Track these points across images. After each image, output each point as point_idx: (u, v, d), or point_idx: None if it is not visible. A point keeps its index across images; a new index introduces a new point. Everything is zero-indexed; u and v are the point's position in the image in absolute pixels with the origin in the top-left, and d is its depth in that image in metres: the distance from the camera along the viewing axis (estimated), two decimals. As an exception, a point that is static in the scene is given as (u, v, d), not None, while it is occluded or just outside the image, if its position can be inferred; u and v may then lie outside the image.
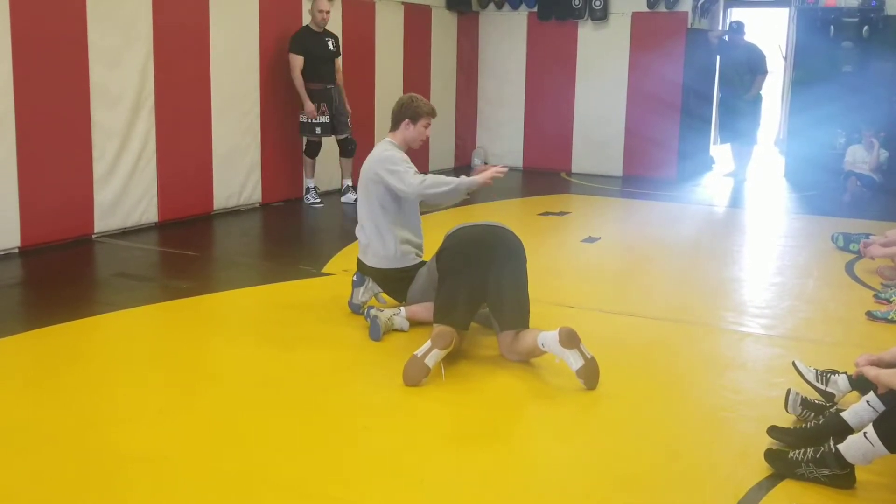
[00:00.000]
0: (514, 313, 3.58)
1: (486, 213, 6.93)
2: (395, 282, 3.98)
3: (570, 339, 3.30)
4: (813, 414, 3.05)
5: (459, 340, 3.58)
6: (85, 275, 5.03)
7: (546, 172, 9.63)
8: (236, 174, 6.95)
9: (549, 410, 3.17)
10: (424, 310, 3.92)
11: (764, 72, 9.39)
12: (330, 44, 7.21)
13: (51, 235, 5.55)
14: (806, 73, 9.43)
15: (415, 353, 3.31)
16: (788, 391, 3.13)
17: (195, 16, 6.42)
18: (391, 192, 3.96)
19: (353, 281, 4.20)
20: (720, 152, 10.99)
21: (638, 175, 9.62)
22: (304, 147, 7.42)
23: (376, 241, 4.03)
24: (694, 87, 9.62)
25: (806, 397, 3.13)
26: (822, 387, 3.23)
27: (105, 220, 5.91)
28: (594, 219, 7.13)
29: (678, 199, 8.35)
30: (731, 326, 4.28)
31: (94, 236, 5.82)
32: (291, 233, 6.53)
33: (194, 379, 3.38)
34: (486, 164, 10.42)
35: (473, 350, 3.76)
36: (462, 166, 10.40)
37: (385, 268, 3.98)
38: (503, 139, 10.44)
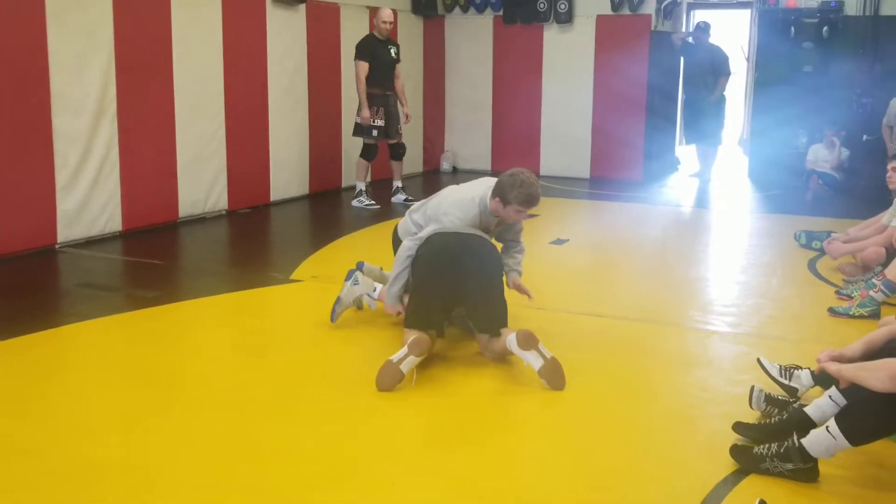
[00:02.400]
0: (489, 319, 3.62)
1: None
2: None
3: (526, 341, 3.36)
4: (777, 410, 3.13)
5: (433, 344, 3.61)
6: (48, 285, 4.98)
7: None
8: (201, 181, 6.91)
9: (519, 412, 3.21)
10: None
11: (727, 73, 9.54)
12: (392, 51, 7.49)
13: (12, 246, 5.48)
14: (768, 74, 9.61)
15: (390, 358, 3.32)
16: (752, 388, 3.20)
17: (157, 21, 6.39)
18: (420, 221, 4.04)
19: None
20: (685, 153, 11.14)
21: (605, 177, 9.70)
22: (360, 151, 7.60)
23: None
24: (659, 88, 9.74)
25: (770, 393, 3.20)
26: (786, 382, 3.31)
27: (68, 229, 5.85)
28: (562, 221, 7.18)
29: (645, 200, 8.43)
30: (698, 325, 4.34)
31: (57, 246, 5.76)
32: (259, 240, 6.51)
33: (164, 388, 3.37)
34: (455, 168, 10.50)
35: (446, 352, 3.79)
36: (431, 170, 10.44)
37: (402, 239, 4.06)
38: (472, 142, 10.49)
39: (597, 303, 4.69)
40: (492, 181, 3.89)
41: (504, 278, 3.88)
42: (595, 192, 9.03)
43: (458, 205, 3.85)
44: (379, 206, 7.66)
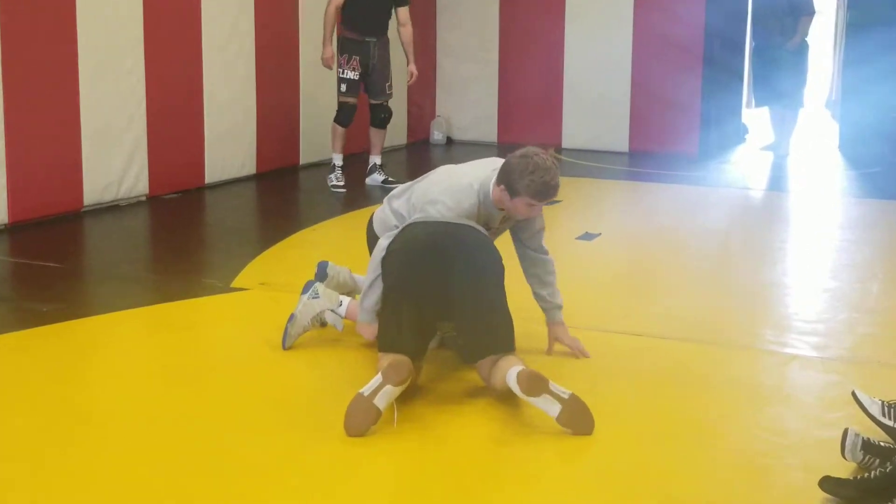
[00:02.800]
0: (486, 338, 3.61)
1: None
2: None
3: (531, 387, 3.34)
4: (878, 460, 3.10)
5: (416, 373, 3.60)
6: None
7: (529, 148, 9.67)
8: (114, 158, 6.90)
9: (533, 466, 3.18)
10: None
11: (810, 12, 9.55)
12: None
13: None
14: (864, 14, 9.61)
15: (360, 391, 3.32)
16: (846, 431, 3.17)
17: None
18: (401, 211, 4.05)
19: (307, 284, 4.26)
20: (755, 118, 11.15)
21: (649, 150, 9.74)
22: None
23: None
24: (720, 33, 9.75)
25: (869, 439, 3.17)
26: (891, 423, 3.29)
27: (-63, 222, 5.84)
28: (592, 209, 7.19)
29: (701, 181, 8.47)
30: (772, 347, 4.34)
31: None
32: (190, 235, 6.52)
33: (67, 424, 3.37)
34: (449, 139, 10.51)
35: (436, 384, 3.77)
36: (417, 142, 10.44)
37: (377, 235, 4.10)
38: (471, 105, 10.49)
39: (637, 318, 4.68)
40: (499, 163, 3.89)
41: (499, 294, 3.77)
42: (635, 170, 9.04)
43: (450, 192, 3.85)
44: (344, 190, 7.69)
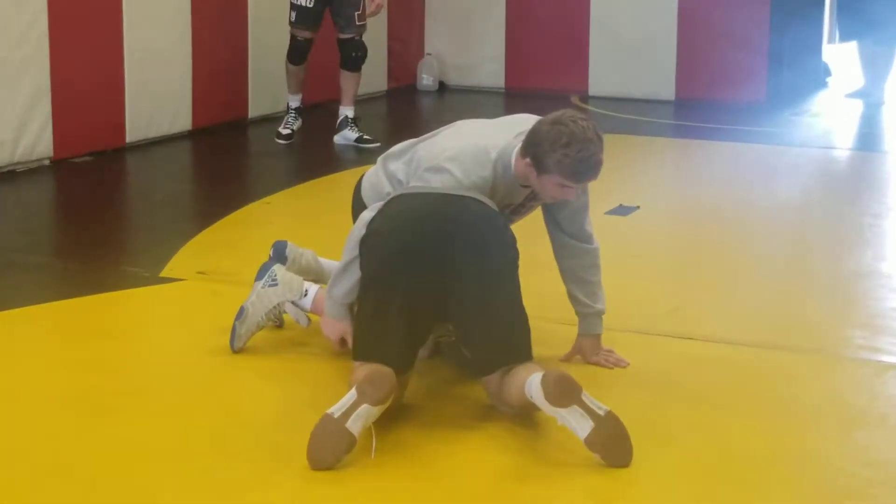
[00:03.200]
0: (497, 344, 3.62)
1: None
2: None
3: (561, 393, 3.33)
4: None
5: (402, 388, 3.60)
6: None
7: (546, 95, 9.62)
8: (7, 111, 6.87)
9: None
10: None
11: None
12: None
13: None
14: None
15: (328, 410, 3.31)
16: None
17: None
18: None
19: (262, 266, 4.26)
20: (840, 56, 11.11)
21: (701, 98, 9.72)
22: None
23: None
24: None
25: None
26: None
27: None
28: (629, 175, 7.16)
29: (770, 138, 8.46)
30: (863, 354, 4.34)
31: None
32: (108, 210, 6.50)
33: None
34: (442, 84, 10.46)
35: (426, 402, 3.77)
36: (401, 88, 10.39)
37: (365, 203, 4.12)
38: (471, 41, 10.45)
39: (687, 316, 4.68)
40: (531, 122, 3.85)
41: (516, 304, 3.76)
42: (683, 124, 9.02)
43: (459, 158, 3.83)
44: (287, 141, 7.70)
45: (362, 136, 7.92)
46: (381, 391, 3.34)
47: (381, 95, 10.08)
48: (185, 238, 5.66)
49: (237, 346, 4.11)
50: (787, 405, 3.87)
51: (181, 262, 5.27)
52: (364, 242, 3.74)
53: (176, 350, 4.25)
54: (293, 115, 8.00)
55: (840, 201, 6.89)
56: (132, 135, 7.74)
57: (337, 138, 8.01)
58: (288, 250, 4.38)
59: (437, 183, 3.80)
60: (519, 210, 4.03)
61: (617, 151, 7.90)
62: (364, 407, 3.30)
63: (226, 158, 7.83)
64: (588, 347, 4.11)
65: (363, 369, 3.50)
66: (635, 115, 9.26)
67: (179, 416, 3.70)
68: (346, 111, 8.04)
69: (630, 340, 4.30)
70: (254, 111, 8.72)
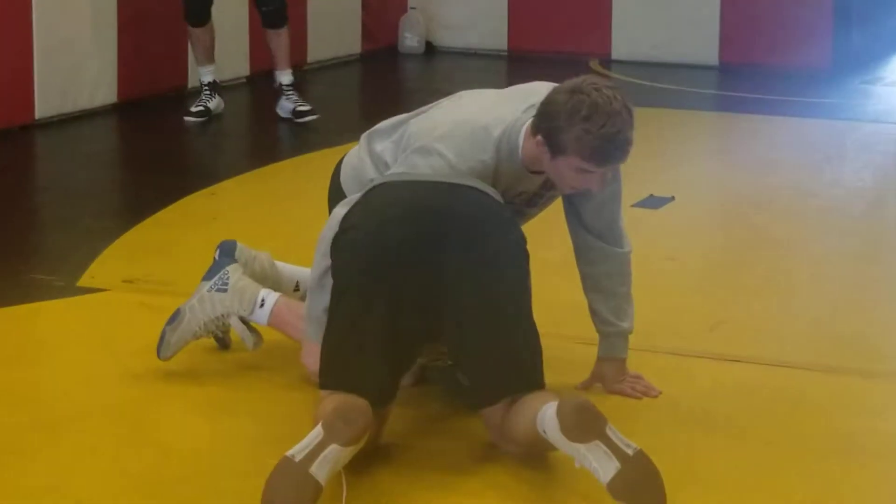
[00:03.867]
0: (499, 369, 3.61)
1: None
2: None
3: (581, 425, 3.32)
4: None
5: (381, 424, 3.61)
6: None
7: (559, 60, 9.71)
8: None
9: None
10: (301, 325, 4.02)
11: None
12: None
13: None
14: None
15: (288, 452, 3.29)
16: None
17: None
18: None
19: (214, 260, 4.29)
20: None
21: (751, 63, 9.75)
22: None
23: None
24: None
25: None
26: None
27: None
28: (660, 157, 7.19)
29: (836, 112, 8.47)
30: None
31: None
32: (14, 203, 6.49)
33: None
34: (429, 45, 10.46)
35: (412, 439, 3.78)
36: (380, 49, 10.38)
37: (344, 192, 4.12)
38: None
39: (732, 333, 4.70)
40: (545, 93, 3.84)
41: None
42: (729, 94, 9.01)
43: (453, 137, 3.83)
44: (199, 119, 7.71)
45: (301, 105, 7.99)
46: (353, 429, 3.32)
47: (353, 60, 10.07)
48: (108, 238, 5.67)
49: (165, 356, 4.10)
50: (853, 442, 3.86)
51: (103, 268, 5.28)
52: (337, 242, 3.74)
53: (97, 376, 4.24)
54: (207, 91, 7.99)
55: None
56: (42, 109, 7.75)
57: (278, 110, 8.08)
58: (237, 253, 4.36)
59: (426, 168, 3.79)
60: (535, 201, 4.02)
61: (646, 129, 7.72)
62: (332, 448, 3.29)
63: (159, 138, 7.83)
64: (610, 373, 4.11)
65: (332, 400, 3.49)
66: (669, 83, 9.29)
67: (101, 457, 3.68)
68: (280, 77, 8.10)
69: (662, 363, 4.31)
70: (195, 79, 8.68)
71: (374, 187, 3.80)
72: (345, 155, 4.26)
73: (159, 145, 7.73)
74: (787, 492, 3.55)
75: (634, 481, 3.30)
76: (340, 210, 3.82)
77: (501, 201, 3.79)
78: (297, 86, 8.14)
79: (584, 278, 4.09)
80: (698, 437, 3.84)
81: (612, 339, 4.09)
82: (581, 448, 3.31)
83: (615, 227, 4.06)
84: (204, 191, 6.57)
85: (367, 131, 4.18)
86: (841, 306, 5.07)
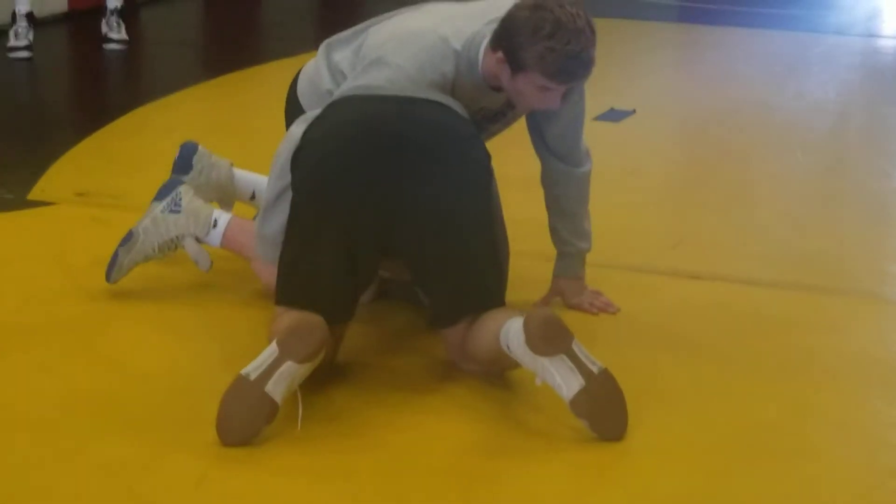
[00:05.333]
0: (461, 287, 3.61)
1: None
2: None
3: (547, 337, 3.32)
4: None
5: (336, 342, 3.61)
6: None
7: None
8: None
9: (530, 496, 3.18)
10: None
11: None
12: None
13: None
14: None
15: (242, 371, 3.29)
16: None
17: None
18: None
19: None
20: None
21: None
22: None
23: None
24: None
25: None
26: None
27: None
28: (622, 70, 7.19)
29: (798, 24, 8.50)
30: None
31: None
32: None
33: None
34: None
35: (369, 358, 3.78)
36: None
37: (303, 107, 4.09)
38: None
39: (694, 249, 4.73)
40: (506, 7, 3.79)
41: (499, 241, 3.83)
42: (692, 5, 8.97)
43: (411, 49, 3.79)
44: (28, 54, 7.47)
45: (116, 37, 7.67)
46: (308, 345, 3.32)
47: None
48: (59, 150, 5.65)
49: (115, 278, 4.08)
50: (815, 360, 3.89)
51: (54, 180, 5.26)
52: (295, 159, 3.73)
53: (47, 292, 4.21)
54: (25, 23, 7.58)
55: (885, 103, 6.94)
56: None
57: (108, 46, 7.72)
58: (196, 157, 4.35)
59: (383, 80, 3.75)
60: (497, 118, 4.00)
61: (608, 41, 7.69)
62: (287, 365, 3.28)
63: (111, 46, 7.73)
64: (569, 289, 4.14)
65: (288, 317, 3.47)
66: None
67: (52, 375, 3.66)
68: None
69: (622, 280, 4.30)
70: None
71: (334, 102, 3.78)
72: (302, 67, 4.22)
73: (111, 54, 7.65)
74: (748, 411, 3.56)
75: (597, 399, 3.32)
76: (297, 128, 3.80)
77: (466, 116, 3.77)
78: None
79: (547, 198, 4.12)
80: (659, 355, 3.86)
81: (571, 258, 4.13)
82: (545, 362, 3.31)
83: (577, 148, 4.09)
84: (158, 101, 6.55)
85: (327, 40, 4.13)
86: (804, 223, 5.10)
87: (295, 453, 3.26)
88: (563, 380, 3.31)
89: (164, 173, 4.42)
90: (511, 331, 3.40)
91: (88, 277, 4.23)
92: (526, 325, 3.33)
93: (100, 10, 8.03)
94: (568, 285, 4.14)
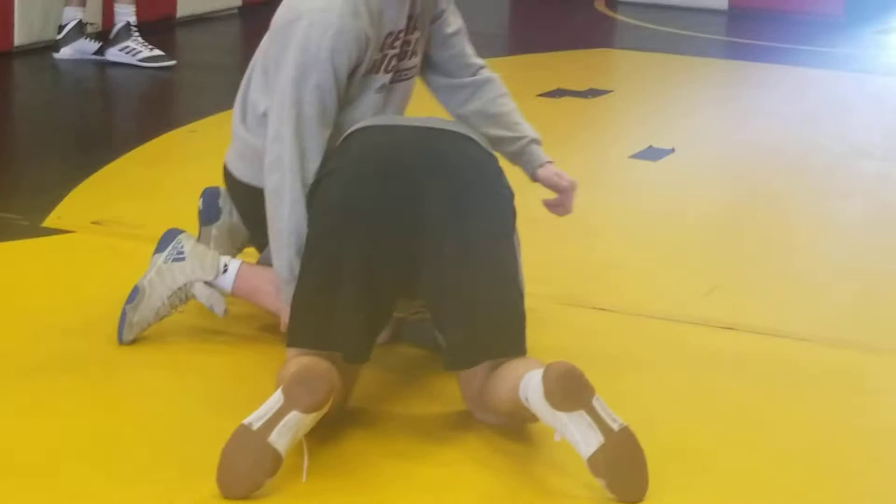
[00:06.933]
0: (481, 330, 3.57)
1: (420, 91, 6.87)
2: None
3: (566, 391, 3.28)
4: None
5: (348, 385, 3.58)
6: None
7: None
8: None
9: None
10: (279, 286, 3.93)
11: None
12: None
13: None
14: None
15: (245, 420, 3.26)
16: None
17: None
18: None
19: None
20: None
21: (761, 9, 9.75)
22: None
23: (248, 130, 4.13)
24: None
25: None
26: None
27: None
28: (662, 107, 7.18)
29: (847, 63, 8.46)
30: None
31: None
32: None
33: None
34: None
35: (380, 405, 3.76)
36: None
37: (258, 185, 4.04)
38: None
39: (729, 298, 4.69)
40: None
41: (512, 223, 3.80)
42: (739, 40, 8.95)
43: (312, 38, 3.78)
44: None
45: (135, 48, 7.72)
46: (315, 394, 3.27)
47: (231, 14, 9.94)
48: (78, 177, 5.63)
49: (126, 338, 4.04)
50: (861, 422, 3.83)
51: (71, 208, 5.24)
52: (313, 191, 3.72)
53: (55, 327, 4.15)
54: (83, 33, 7.75)
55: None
56: (21, 36, 7.74)
57: (110, 54, 7.77)
58: (222, 200, 4.31)
59: (312, 94, 3.76)
60: (405, 49, 3.98)
61: (649, 75, 7.90)
62: (293, 415, 3.24)
63: (140, 69, 7.71)
64: (554, 172, 4.12)
65: (295, 363, 3.44)
66: (676, 27, 9.24)
67: (51, 417, 3.64)
68: (124, 14, 7.81)
69: (651, 329, 4.28)
70: (184, 8, 8.68)
71: (352, 133, 3.77)
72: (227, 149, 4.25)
73: (143, 78, 7.69)
74: (776, 476, 3.50)
75: (617, 458, 3.27)
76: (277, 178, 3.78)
77: (490, 150, 3.80)
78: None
79: (470, 117, 4.11)
80: (686, 410, 3.81)
81: (531, 147, 4.13)
82: (563, 417, 3.27)
83: (474, 59, 4.18)
84: (185, 127, 6.57)
85: (240, 93, 4.16)
86: (848, 274, 5.05)
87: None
88: (581, 436, 3.27)
89: (187, 202, 4.42)
90: (531, 383, 3.36)
91: (100, 312, 4.19)
92: (545, 378, 3.29)
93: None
94: (552, 169, 4.13)
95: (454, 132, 3.76)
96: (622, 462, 3.27)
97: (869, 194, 6.10)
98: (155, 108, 7.08)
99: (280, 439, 3.22)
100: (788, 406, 3.90)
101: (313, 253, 3.65)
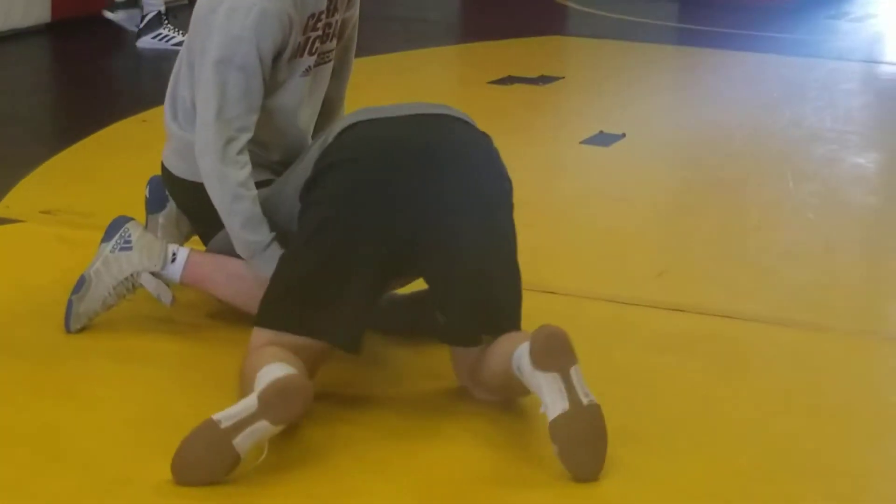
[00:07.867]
0: (483, 308, 3.59)
1: (393, 81, 6.79)
2: (208, 210, 4.00)
3: (549, 351, 3.30)
4: None
5: (314, 371, 3.56)
6: None
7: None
8: None
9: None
10: (228, 274, 3.97)
11: None
12: None
13: None
14: None
15: (215, 416, 3.23)
16: None
17: None
18: None
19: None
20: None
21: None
22: None
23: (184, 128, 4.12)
24: None
25: None
26: None
27: None
28: (614, 93, 7.18)
29: (799, 49, 8.49)
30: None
31: None
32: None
33: None
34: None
35: (366, 373, 3.78)
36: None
37: (194, 180, 4.04)
38: None
39: (678, 280, 4.70)
40: None
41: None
42: (690, 27, 8.96)
43: (235, 22, 3.81)
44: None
45: (167, 34, 7.89)
46: (291, 409, 3.25)
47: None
48: (28, 166, 5.61)
49: (74, 328, 4.02)
50: (804, 401, 3.85)
51: (21, 197, 5.24)
52: (317, 179, 3.70)
53: (5, 313, 4.17)
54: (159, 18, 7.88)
55: (889, 131, 6.92)
56: None
57: (143, 42, 7.92)
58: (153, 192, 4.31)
59: (238, 79, 3.78)
60: (327, 32, 4.01)
61: (600, 62, 7.90)
62: (263, 424, 3.21)
63: (92, 60, 7.77)
64: None
65: (276, 368, 3.36)
66: (628, 14, 9.23)
67: (1, 403, 3.63)
68: (154, 3, 7.94)
69: (600, 311, 4.27)
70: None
71: (347, 127, 3.78)
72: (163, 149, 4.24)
73: (91, 68, 7.68)
74: (724, 456, 3.51)
75: (577, 430, 3.28)
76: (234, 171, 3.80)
77: (487, 135, 3.83)
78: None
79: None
80: (637, 392, 3.80)
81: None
82: (540, 377, 3.30)
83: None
84: (135, 116, 6.53)
85: (169, 98, 4.17)
86: (794, 256, 5.07)
87: (253, 490, 3.22)
88: (550, 399, 3.28)
89: (137, 191, 4.41)
90: (523, 353, 3.38)
91: (48, 301, 4.16)
92: (534, 336, 3.33)
93: (81, 21, 8.10)
94: None
95: (449, 116, 3.80)
96: (581, 436, 3.28)
97: (819, 178, 6.11)
98: (106, 98, 7.03)
99: (243, 443, 3.21)
100: (738, 386, 3.92)
101: (314, 244, 3.64)
